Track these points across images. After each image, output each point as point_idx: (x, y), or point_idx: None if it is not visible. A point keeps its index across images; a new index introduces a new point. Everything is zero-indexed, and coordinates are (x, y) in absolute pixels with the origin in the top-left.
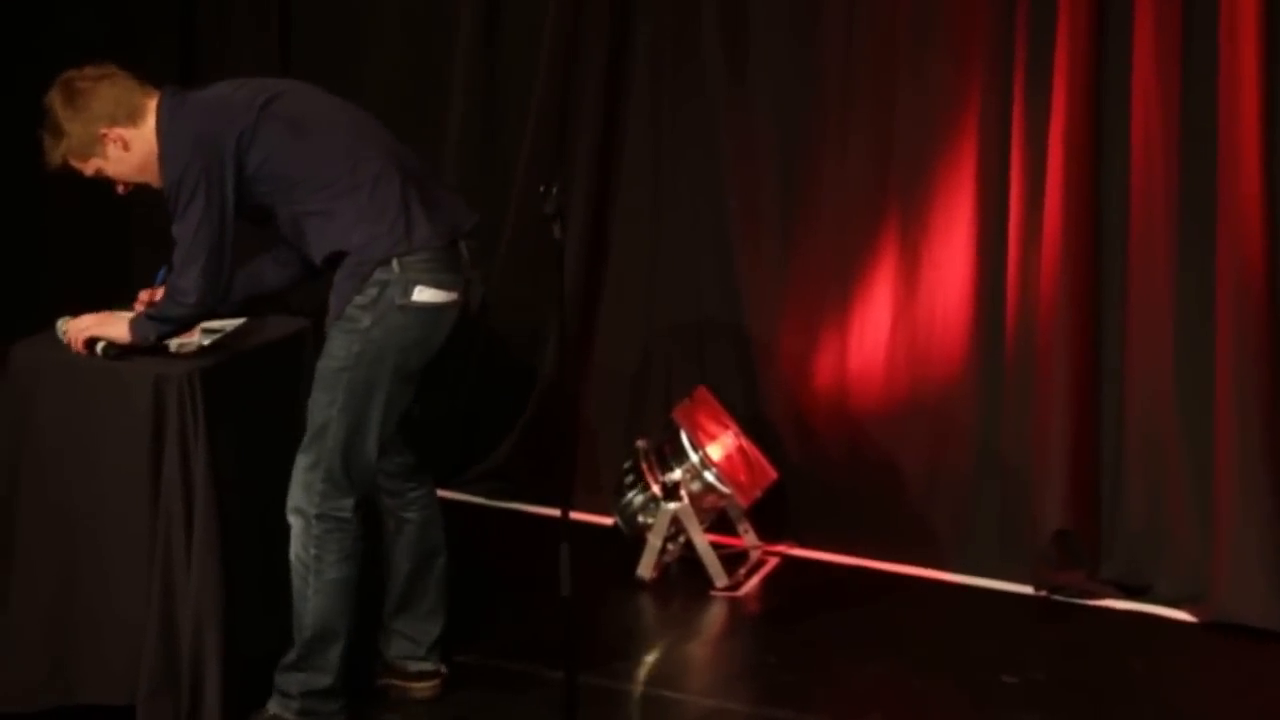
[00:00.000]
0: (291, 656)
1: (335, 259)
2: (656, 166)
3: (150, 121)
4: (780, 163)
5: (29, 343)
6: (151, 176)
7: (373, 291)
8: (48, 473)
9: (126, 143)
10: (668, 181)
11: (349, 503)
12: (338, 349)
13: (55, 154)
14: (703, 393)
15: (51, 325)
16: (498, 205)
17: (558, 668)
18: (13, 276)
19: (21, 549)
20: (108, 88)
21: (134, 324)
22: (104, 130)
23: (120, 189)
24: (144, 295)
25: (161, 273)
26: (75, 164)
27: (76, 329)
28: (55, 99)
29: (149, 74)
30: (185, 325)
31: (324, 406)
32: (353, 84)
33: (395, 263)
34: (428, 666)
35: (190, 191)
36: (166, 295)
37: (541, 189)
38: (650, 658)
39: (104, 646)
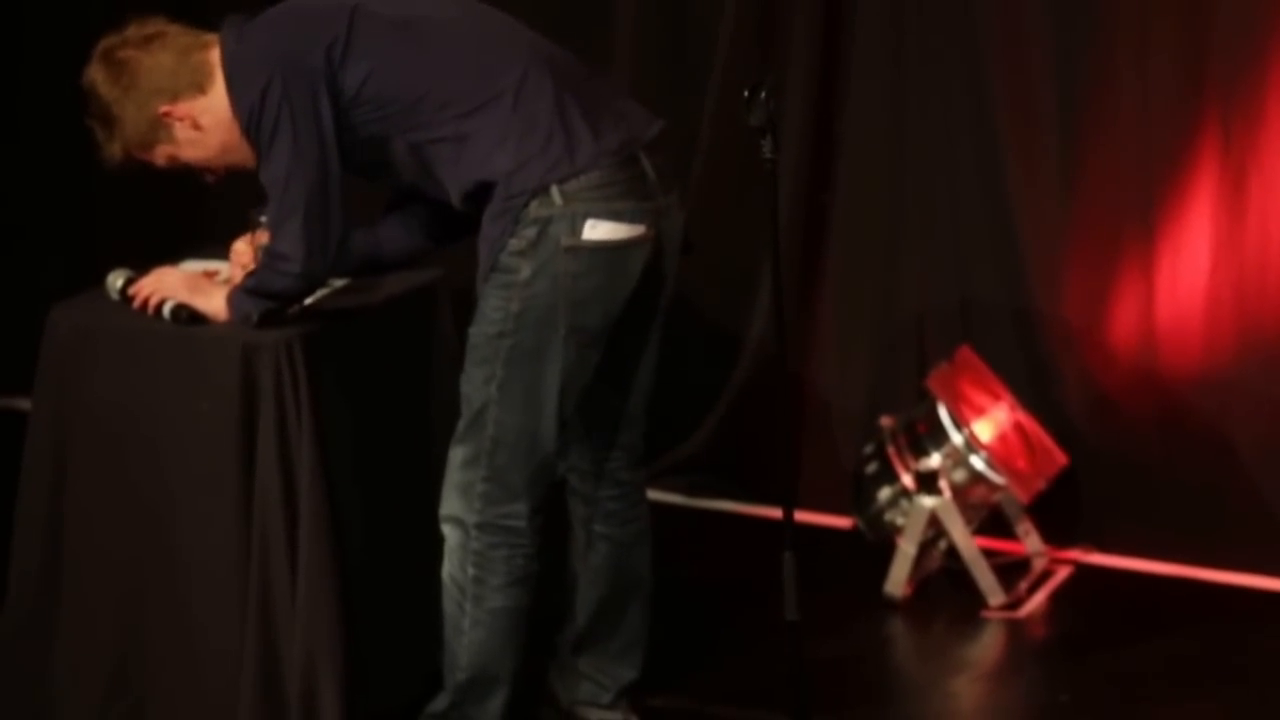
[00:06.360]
0: (440, 705)
1: (478, 195)
2: (896, 61)
3: (221, 78)
4: (1060, 55)
5: (72, 304)
6: (242, 154)
7: (530, 232)
8: (103, 469)
9: (196, 119)
10: (911, 82)
11: (521, 509)
12: (492, 310)
13: (112, 147)
14: (966, 355)
15: (99, 281)
16: (687, 116)
17: (783, 715)
18: (51, 216)
19: (71, 568)
20: (159, 53)
21: (232, 300)
22: (164, 109)
23: (209, 178)
24: (240, 245)
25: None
26: (140, 156)
27: (150, 288)
28: (96, 78)
29: None
30: (293, 299)
31: (480, 385)
32: None
33: (556, 191)
34: (615, 716)
35: (273, 122)
36: (264, 263)
37: (746, 94)
38: (904, 700)
39: (183, 693)
